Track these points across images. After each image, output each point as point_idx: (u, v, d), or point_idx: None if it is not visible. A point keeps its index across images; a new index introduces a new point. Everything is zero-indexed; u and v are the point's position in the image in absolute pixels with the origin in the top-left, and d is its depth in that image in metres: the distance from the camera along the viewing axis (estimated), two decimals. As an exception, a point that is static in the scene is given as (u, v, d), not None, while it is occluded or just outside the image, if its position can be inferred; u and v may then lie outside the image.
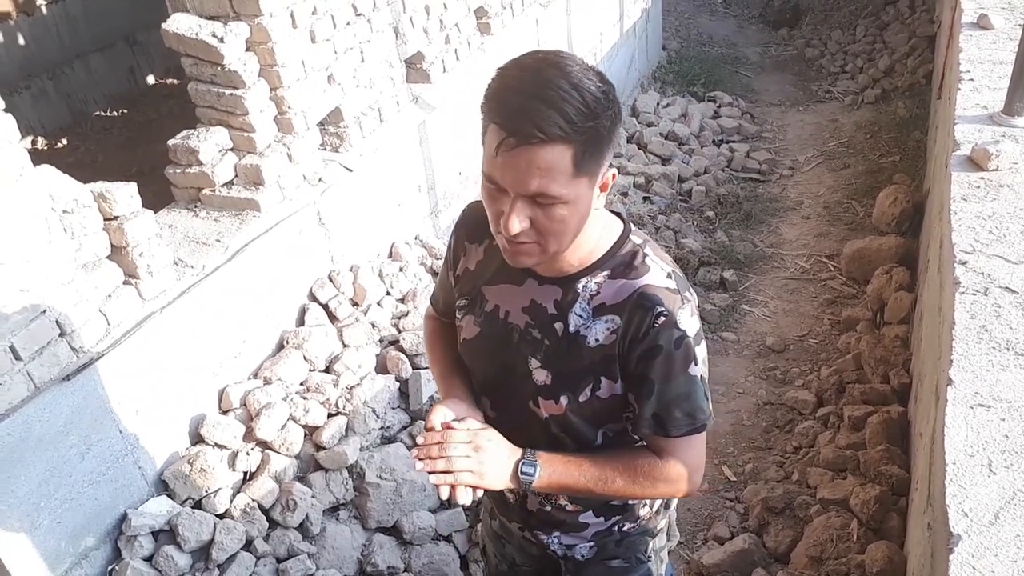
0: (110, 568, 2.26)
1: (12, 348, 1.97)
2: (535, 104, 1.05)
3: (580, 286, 1.28)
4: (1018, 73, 2.54)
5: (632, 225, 1.33)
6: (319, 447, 2.67)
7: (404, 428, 2.91)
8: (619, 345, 1.25)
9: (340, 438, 2.69)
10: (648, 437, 1.33)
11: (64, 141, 5.91)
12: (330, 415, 2.73)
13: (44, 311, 2.04)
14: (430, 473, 1.23)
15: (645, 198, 5.04)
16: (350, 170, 3.18)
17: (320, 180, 3.06)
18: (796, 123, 6.57)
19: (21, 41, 5.83)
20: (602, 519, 1.50)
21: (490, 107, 1.11)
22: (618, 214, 1.34)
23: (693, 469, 1.33)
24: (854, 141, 6.06)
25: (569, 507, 1.47)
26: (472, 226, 1.42)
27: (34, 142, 5.80)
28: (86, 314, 2.17)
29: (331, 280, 3.12)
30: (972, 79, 2.97)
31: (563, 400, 1.31)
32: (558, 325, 1.30)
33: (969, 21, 3.49)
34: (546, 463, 1.30)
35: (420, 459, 1.23)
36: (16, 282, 1.98)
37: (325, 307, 3.06)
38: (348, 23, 3.13)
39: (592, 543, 1.53)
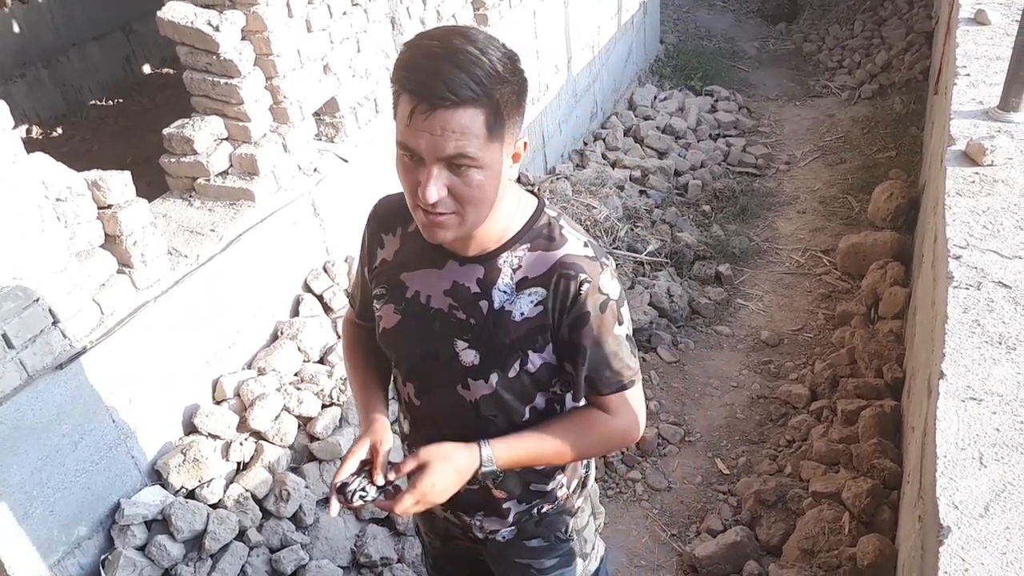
0: (103, 557, 2.26)
1: (5, 336, 1.97)
2: (446, 67, 1.09)
3: (502, 261, 1.31)
4: (1014, 68, 2.54)
5: (545, 199, 1.37)
6: (313, 438, 2.67)
7: (398, 419, 2.91)
8: (550, 316, 1.29)
9: (334, 429, 2.69)
10: (588, 398, 1.39)
11: (59, 130, 5.88)
12: (324, 406, 2.73)
13: (37, 299, 2.04)
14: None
15: (641, 192, 5.04)
16: (345, 161, 3.18)
17: (315, 170, 3.05)
18: (793, 118, 6.56)
19: (16, 28, 5.79)
20: (524, 504, 1.52)
21: (401, 76, 1.13)
22: (531, 190, 1.37)
23: (632, 421, 1.40)
24: (850, 136, 6.06)
25: (496, 492, 1.49)
26: (384, 217, 1.44)
27: (28, 131, 5.77)
28: (79, 303, 2.16)
29: (326, 271, 3.11)
30: (968, 74, 2.96)
31: (493, 378, 1.33)
32: (483, 303, 1.31)
33: (966, 16, 3.49)
34: (503, 458, 1.33)
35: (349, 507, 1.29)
36: (9, 269, 1.97)
37: (320, 298, 3.06)
38: (344, 13, 3.11)
39: (512, 526, 1.56)
